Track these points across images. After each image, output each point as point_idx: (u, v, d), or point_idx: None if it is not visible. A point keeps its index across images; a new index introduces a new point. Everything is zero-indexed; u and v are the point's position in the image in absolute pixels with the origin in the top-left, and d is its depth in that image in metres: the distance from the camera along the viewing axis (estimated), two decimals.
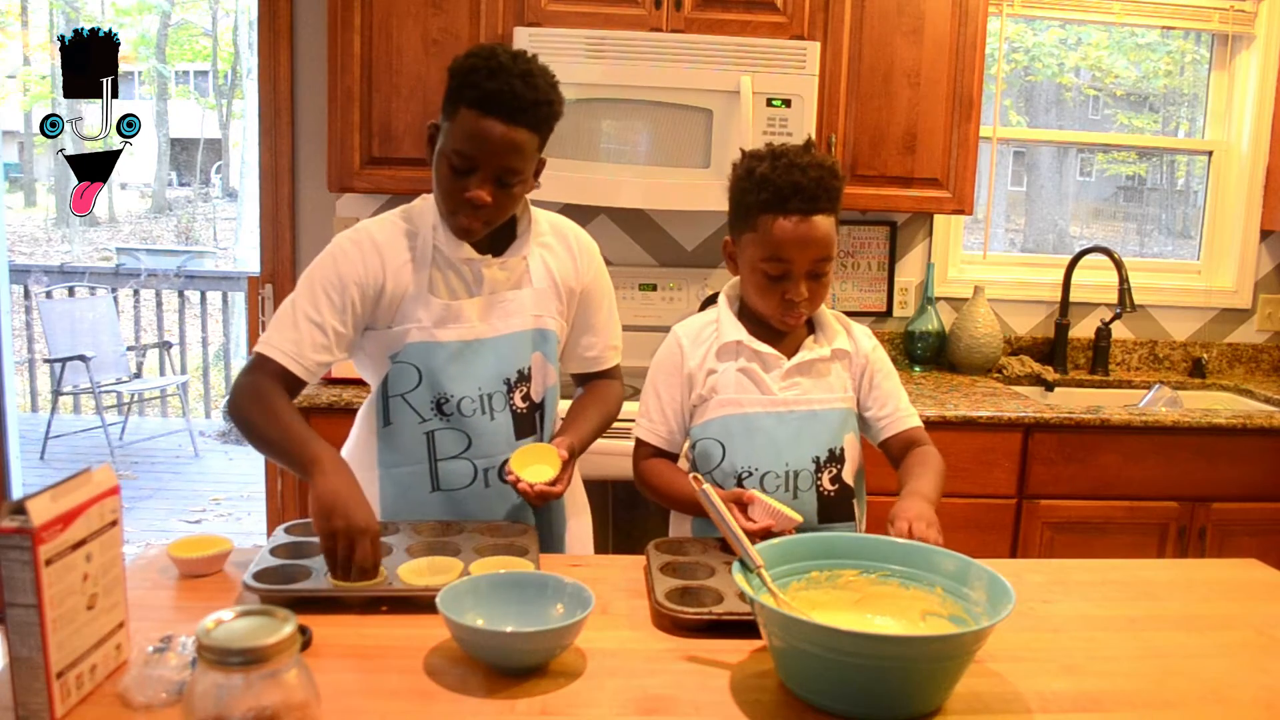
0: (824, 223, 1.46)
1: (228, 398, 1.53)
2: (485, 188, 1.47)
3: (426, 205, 1.59)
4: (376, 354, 1.58)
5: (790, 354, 1.55)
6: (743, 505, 1.41)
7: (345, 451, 1.66)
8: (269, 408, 1.46)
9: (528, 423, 1.61)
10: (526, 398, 1.61)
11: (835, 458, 1.54)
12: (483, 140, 1.45)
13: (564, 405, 1.73)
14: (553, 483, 1.48)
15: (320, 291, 1.52)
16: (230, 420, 1.52)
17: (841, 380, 1.58)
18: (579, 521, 1.74)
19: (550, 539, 1.66)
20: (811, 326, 1.60)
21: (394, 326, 1.55)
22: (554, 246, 1.65)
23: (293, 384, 1.51)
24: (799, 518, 1.41)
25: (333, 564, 1.29)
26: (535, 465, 1.50)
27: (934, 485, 1.47)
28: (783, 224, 1.45)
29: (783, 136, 2.57)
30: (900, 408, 1.59)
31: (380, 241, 1.56)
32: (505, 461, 1.51)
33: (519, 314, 1.60)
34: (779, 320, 1.53)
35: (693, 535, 1.59)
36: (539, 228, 1.64)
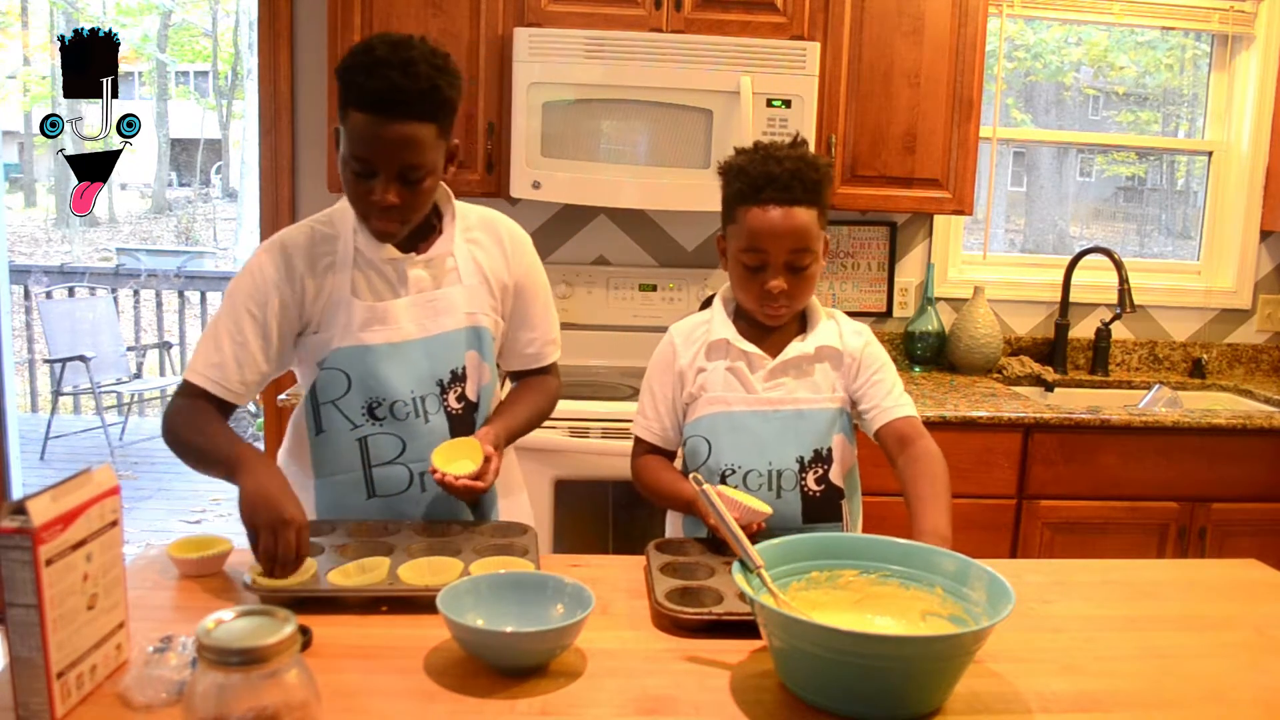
0: (800, 214, 1.46)
1: (163, 421, 1.51)
2: (390, 189, 1.43)
3: (346, 209, 1.54)
4: (305, 360, 1.55)
5: (776, 353, 1.55)
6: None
7: (279, 460, 1.63)
8: (194, 424, 1.46)
9: (464, 424, 1.57)
10: (462, 398, 1.57)
11: (822, 458, 1.54)
12: (375, 142, 1.40)
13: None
14: (476, 476, 1.45)
15: (241, 309, 1.49)
16: (168, 446, 1.49)
17: (829, 380, 1.57)
18: (511, 501, 1.70)
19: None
20: (804, 325, 1.60)
21: (319, 332, 1.52)
22: (482, 241, 1.61)
23: (223, 406, 1.49)
24: (767, 509, 1.40)
25: (259, 558, 1.28)
26: (459, 460, 1.46)
27: (944, 513, 1.40)
28: (757, 213, 1.46)
29: (783, 137, 2.57)
30: (890, 398, 1.55)
31: (297, 248, 1.52)
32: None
33: (450, 312, 1.56)
34: (761, 313, 1.53)
35: (683, 533, 1.59)
36: (467, 222, 1.60)
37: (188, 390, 1.49)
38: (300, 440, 1.59)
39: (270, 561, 1.27)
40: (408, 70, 1.38)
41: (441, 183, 1.53)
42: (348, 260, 1.52)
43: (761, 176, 1.46)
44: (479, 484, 1.45)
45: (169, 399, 1.52)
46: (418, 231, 1.54)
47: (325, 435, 1.55)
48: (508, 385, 1.77)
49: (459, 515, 1.59)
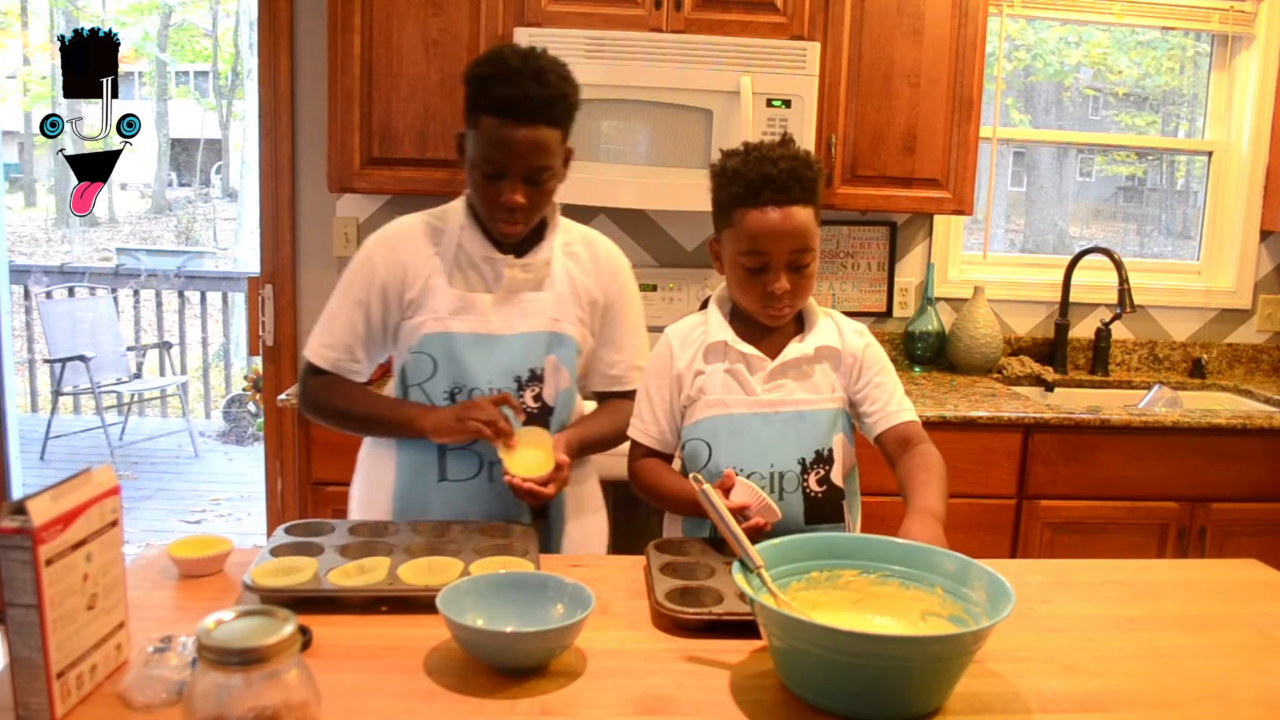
0: (799, 213, 1.46)
1: (300, 401, 1.71)
2: (518, 190, 1.54)
3: (458, 206, 1.66)
4: (398, 345, 1.66)
5: (775, 354, 1.55)
6: (726, 490, 1.42)
7: (367, 439, 1.75)
8: (341, 393, 1.65)
9: (538, 423, 1.62)
10: (538, 398, 1.64)
11: (823, 459, 1.53)
12: (507, 145, 1.51)
13: (589, 406, 1.76)
14: (543, 483, 1.51)
15: (352, 295, 1.64)
16: (313, 417, 1.70)
17: (828, 380, 1.56)
18: (581, 523, 1.73)
19: (548, 539, 1.66)
20: (801, 325, 1.60)
21: (413, 318, 1.62)
22: (580, 256, 1.70)
23: (346, 381, 1.67)
24: (778, 514, 1.42)
25: (494, 436, 1.49)
26: (528, 450, 1.53)
27: (938, 496, 1.43)
28: (756, 216, 1.46)
29: (771, 137, 2.57)
30: (892, 402, 1.56)
31: (405, 238, 1.65)
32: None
33: (536, 314, 1.63)
34: (764, 315, 1.53)
35: (682, 534, 1.59)
36: (569, 236, 1.70)
37: (312, 369, 1.67)
38: None
39: (496, 434, 1.48)
40: (539, 78, 1.50)
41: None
42: (450, 254, 1.63)
43: (759, 178, 1.45)
44: (544, 490, 1.51)
45: (300, 380, 1.71)
46: (523, 238, 1.64)
47: None
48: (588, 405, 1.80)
49: (520, 519, 1.61)
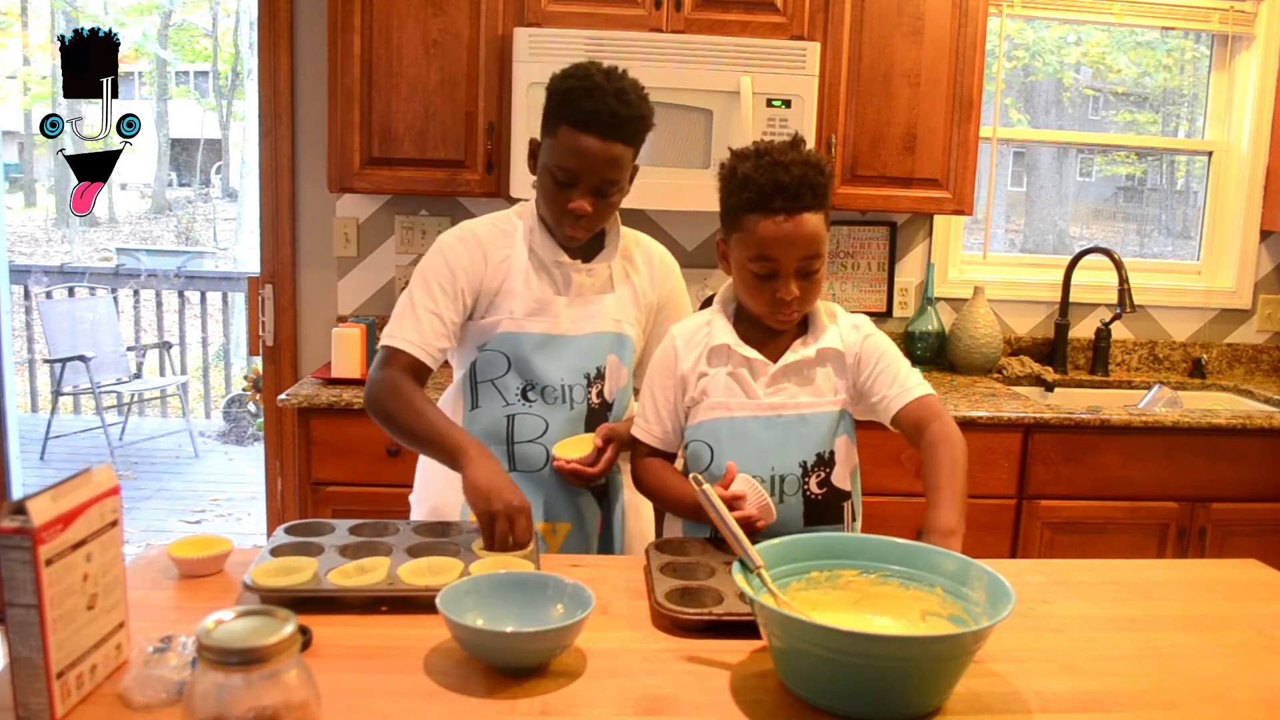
0: (811, 220, 1.45)
1: (367, 392, 1.64)
2: (586, 199, 1.59)
3: (527, 209, 1.71)
4: (466, 342, 1.70)
5: (777, 357, 1.55)
6: (727, 484, 1.43)
7: None
8: (408, 401, 1.60)
9: (600, 418, 1.70)
10: (600, 395, 1.70)
11: (824, 461, 1.53)
12: (582, 156, 1.56)
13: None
14: (589, 462, 1.60)
15: (434, 285, 1.65)
16: (370, 413, 1.66)
17: (831, 382, 1.56)
18: (638, 498, 1.74)
19: (609, 514, 1.73)
20: (804, 326, 1.60)
21: (486, 317, 1.67)
22: (636, 261, 1.77)
23: (421, 372, 1.65)
24: (774, 516, 1.44)
25: (490, 539, 1.43)
26: (573, 439, 1.65)
27: (956, 502, 1.39)
28: (767, 224, 1.44)
29: (782, 137, 2.57)
30: (896, 385, 1.54)
31: (483, 238, 1.68)
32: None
33: (601, 316, 1.70)
34: (771, 319, 1.53)
35: (683, 533, 1.59)
36: (626, 242, 1.76)
37: (390, 359, 1.63)
38: (454, 413, 1.73)
39: (504, 543, 1.42)
40: (622, 97, 1.56)
41: None
42: (523, 256, 1.68)
43: (771, 185, 1.43)
44: (589, 470, 1.60)
45: (373, 370, 1.65)
46: (587, 244, 1.70)
47: (479, 410, 1.69)
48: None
49: (583, 508, 1.69)
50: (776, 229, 1.44)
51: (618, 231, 1.74)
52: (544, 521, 1.66)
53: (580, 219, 1.61)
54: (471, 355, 1.70)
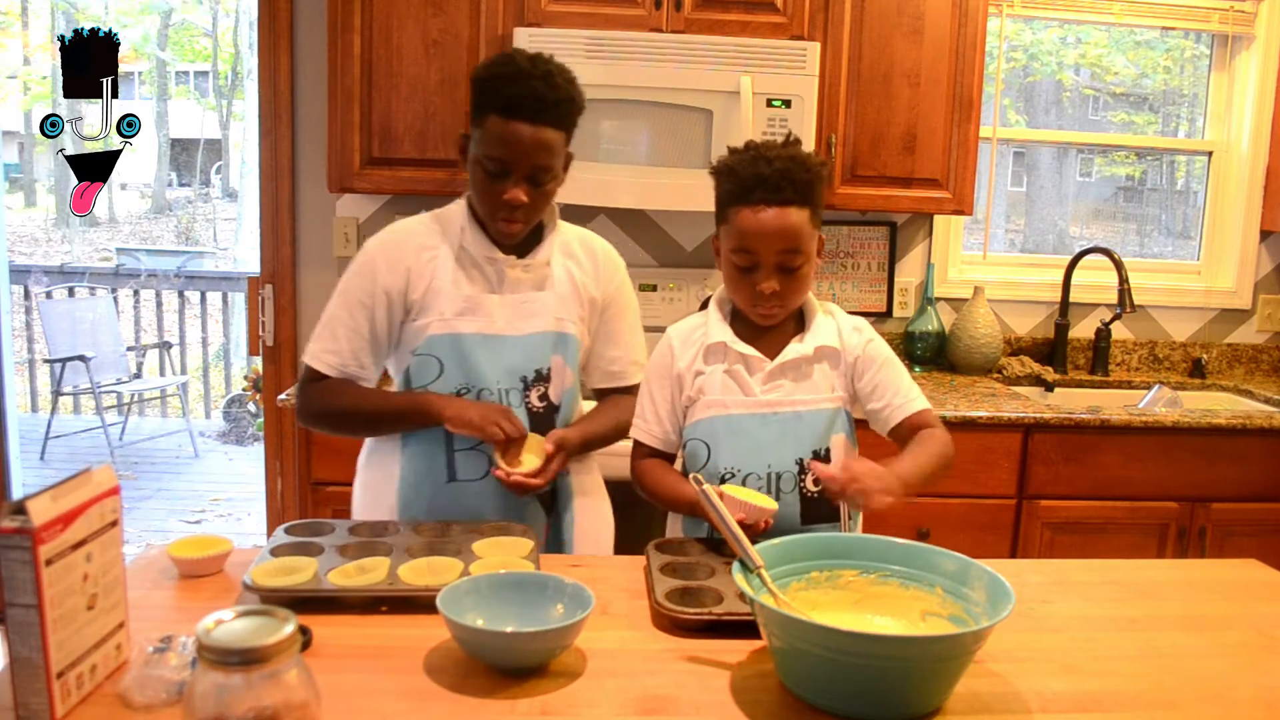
0: (790, 214, 1.46)
1: (298, 408, 1.67)
2: (520, 188, 1.55)
3: (459, 208, 1.67)
4: (401, 348, 1.66)
5: (774, 355, 1.55)
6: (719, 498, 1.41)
7: (368, 443, 1.75)
8: (345, 394, 1.63)
9: (545, 422, 1.64)
10: (544, 398, 1.65)
11: (820, 459, 1.53)
12: (512, 143, 1.53)
13: (587, 406, 1.76)
14: (534, 474, 1.53)
15: (353, 298, 1.63)
16: (311, 425, 1.68)
17: (828, 380, 1.56)
18: (589, 500, 1.74)
19: (557, 525, 1.69)
20: (801, 324, 1.60)
21: (417, 320, 1.62)
22: (579, 256, 1.71)
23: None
24: (773, 505, 1.41)
25: (502, 446, 1.51)
26: (525, 455, 1.56)
27: (918, 460, 1.47)
28: (747, 214, 1.46)
29: (780, 137, 2.57)
30: (898, 395, 1.56)
31: (406, 239, 1.65)
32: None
33: (541, 315, 1.65)
34: (754, 313, 1.54)
35: (683, 534, 1.59)
36: (566, 237, 1.71)
37: (312, 376, 1.65)
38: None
39: (506, 442, 1.50)
40: (548, 80, 1.53)
41: None
42: (452, 254, 1.64)
43: (752, 177, 1.46)
44: (532, 481, 1.54)
45: (298, 388, 1.67)
46: (523, 239, 1.65)
47: None
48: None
49: (531, 514, 1.64)
50: (755, 219, 1.46)
51: (555, 225, 1.70)
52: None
53: (516, 209, 1.57)
54: (406, 361, 1.65)
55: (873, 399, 1.57)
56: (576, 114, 1.60)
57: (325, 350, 1.63)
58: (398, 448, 1.66)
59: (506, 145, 1.53)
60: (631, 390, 1.75)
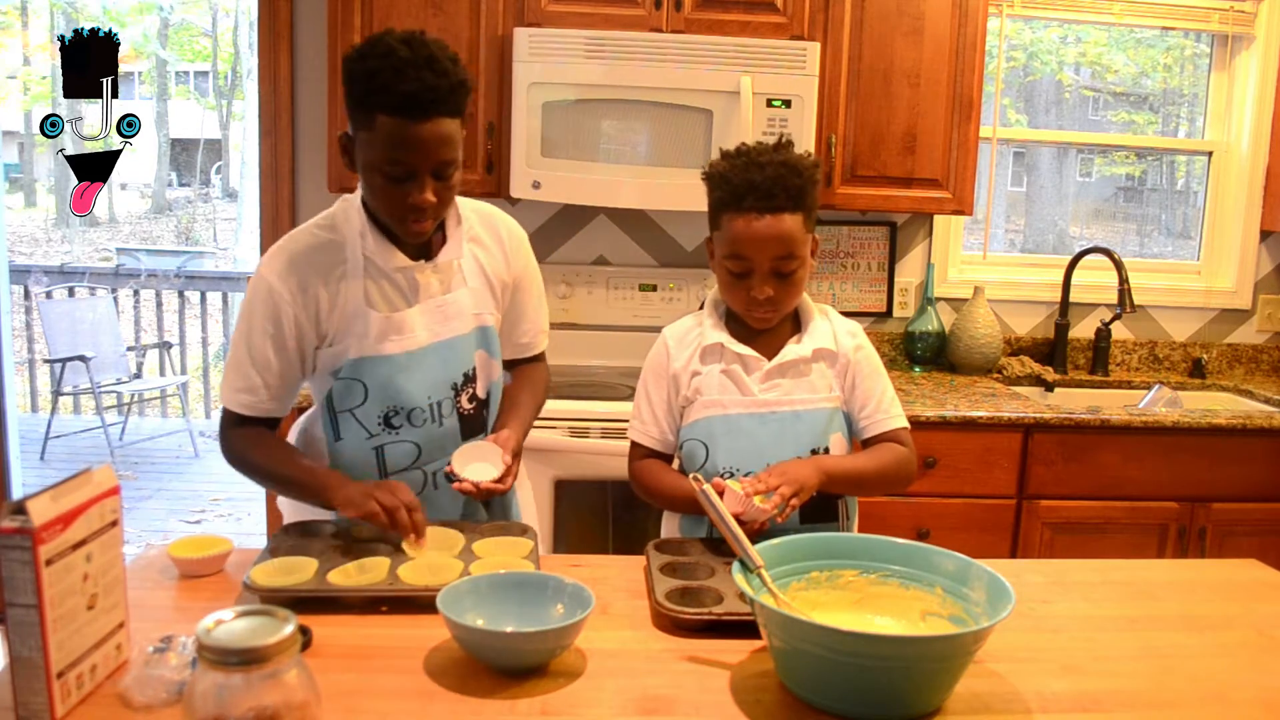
0: (785, 221, 1.46)
1: (222, 449, 1.57)
2: (428, 189, 1.43)
3: (350, 210, 1.53)
4: (320, 369, 1.55)
5: (772, 355, 1.55)
6: (719, 494, 1.41)
7: (300, 428, 1.68)
8: (260, 451, 1.54)
9: (475, 422, 1.62)
10: (473, 398, 1.61)
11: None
12: (413, 145, 1.39)
13: None
14: (499, 480, 1.49)
15: (259, 330, 1.50)
16: (235, 469, 1.56)
17: (825, 380, 1.57)
18: (522, 494, 1.78)
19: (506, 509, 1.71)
20: (798, 325, 1.60)
21: (335, 344, 1.52)
22: (484, 240, 1.62)
23: (269, 422, 1.56)
24: (773, 510, 1.40)
25: (393, 526, 1.38)
26: (476, 464, 1.50)
27: (857, 461, 1.53)
28: (740, 222, 1.46)
29: (773, 138, 2.57)
30: (881, 409, 1.57)
31: (305, 259, 1.51)
32: (449, 463, 1.51)
33: (459, 316, 1.58)
34: (749, 318, 1.54)
35: (681, 534, 1.59)
36: (467, 221, 1.60)
37: (230, 419, 1.55)
38: (313, 446, 1.63)
39: (406, 525, 1.37)
40: (434, 68, 1.38)
41: None
42: (358, 269, 1.51)
43: (744, 184, 1.45)
44: (499, 487, 1.49)
45: (220, 430, 1.57)
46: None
47: (343, 443, 1.57)
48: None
49: (474, 515, 1.62)
50: (748, 227, 1.46)
51: (458, 216, 1.57)
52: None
53: (425, 210, 1.44)
54: (327, 383, 1.55)
55: (854, 408, 1.58)
56: (469, 93, 1.45)
57: (238, 390, 1.52)
58: (324, 443, 1.59)
59: (407, 148, 1.39)
60: (539, 358, 1.77)
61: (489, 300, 1.62)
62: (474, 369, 1.60)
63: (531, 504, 1.84)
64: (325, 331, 1.52)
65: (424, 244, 1.54)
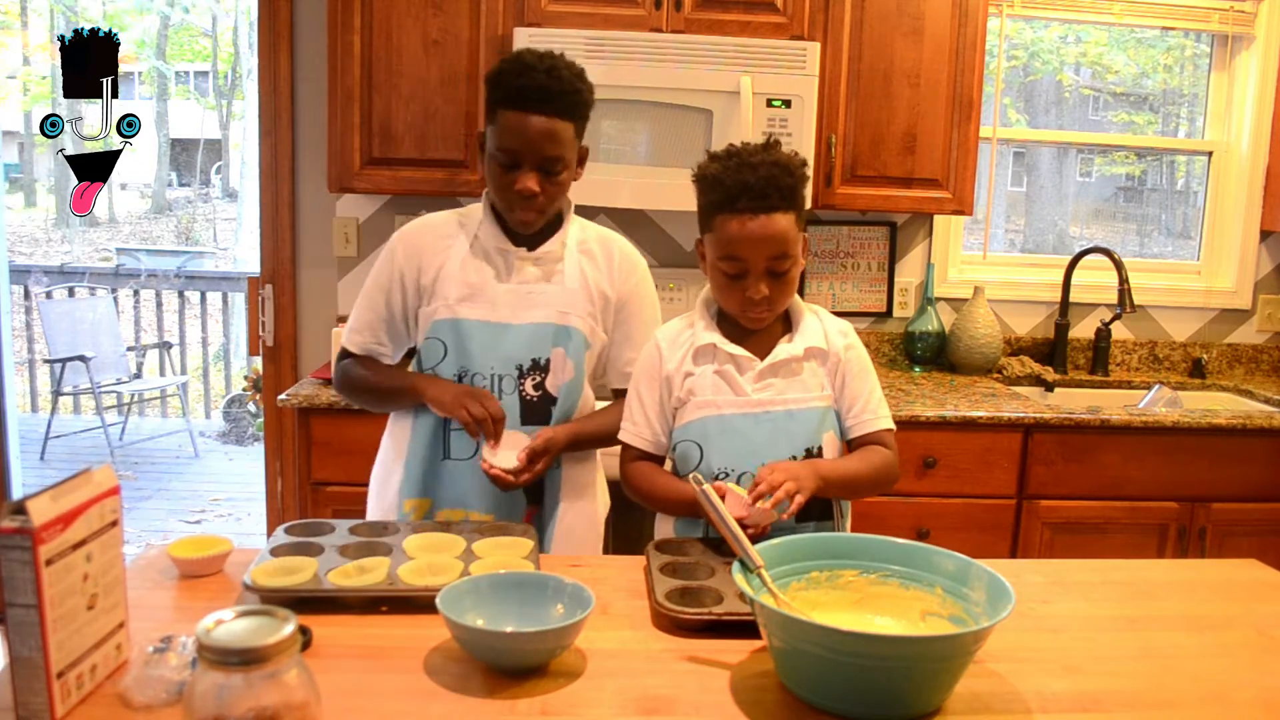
0: (778, 220, 1.46)
1: (334, 379, 1.85)
2: (532, 178, 1.59)
3: (480, 205, 1.73)
4: (419, 332, 1.73)
5: (764, 354, 1.55)
6: (720, 497, 1.41)
7: (392, 414, 1.82)
8: (363, 370, 1.76)
9: (538, 412, 1.67)
10: (540, 387, 1.68)
11: (812, 456, 1.54)
12: (521, 134, 1.57)
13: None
14: (515, 472, 1.57)
15: (376, 284, 1.74)
16: (344, 395, 1.85)
17: (817, 379, 1.57)
18: (578, 504, 1.75)
19: (542, 521, 1.71)
20: (789, 324, 1.60)
21: (428, 305, 1.70)
22: (595, 254, 1.74)
23: (375, 363, 1.78)
24: (775, 514, 1.41)
25: (474, 429, 1.57)
26: (507, 451, 1.59)
27: (849, 464, 1.54)
28: (734, 223, 1.47)
29: (782, 137, 2.57)
30: (869, 410, 1.58)
31: (426, 229, 1.73)
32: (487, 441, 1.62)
33: (543, 306, 1.68)
34: (743, 318, 1.54)
35: (675, 534, 1.59)
36: (585, 235, 1.75)
37: (343, 353, 1.79)
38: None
39: (477, 424, 1.56)
40: (552, 73, 1.58)
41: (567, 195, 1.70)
42: (465, 244, 1.70)
43: (736, 185, 1.45)
44: (508, 477, 1.57)
45: (336, 361, 1.84)
46: (538, 233, 1.69)
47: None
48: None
49: (513, 504, 1.68)
50: (742, 228, 1.46)
51: (570, 220, 1.74)
52: (461, 509, 1.68)
53: (529, 199, 1.61)
54: (420, 344, 1.73)
55: (841, 407, 1.59)
56: (584, 106, 1.63)
57: (352, 330, 1.77)
58: (410, 425, 1.73)
59: (515, 136, 1.57)
60: None
61: (582, 305, 1.70)
62: (547, 360, 1.67)
63: (594, 519, 1.81)
64: (423, 290, 1.70)
65: (535, 239, 1.69)
